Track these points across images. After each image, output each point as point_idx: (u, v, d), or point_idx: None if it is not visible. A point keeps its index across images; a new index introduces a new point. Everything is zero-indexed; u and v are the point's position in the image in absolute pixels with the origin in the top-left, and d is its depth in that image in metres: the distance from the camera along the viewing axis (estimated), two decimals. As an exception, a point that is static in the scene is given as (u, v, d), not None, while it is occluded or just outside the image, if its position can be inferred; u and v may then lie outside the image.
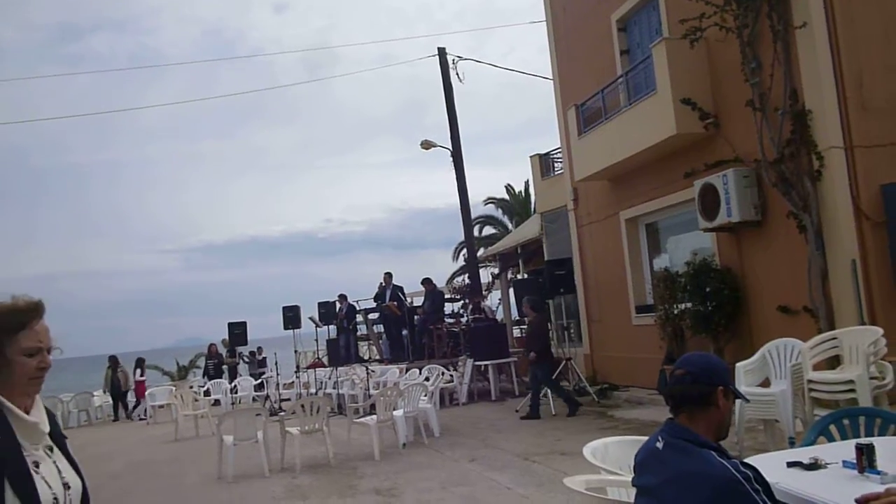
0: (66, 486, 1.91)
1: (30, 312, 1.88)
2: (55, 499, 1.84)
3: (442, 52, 19.84)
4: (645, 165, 11.86)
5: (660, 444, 2.49)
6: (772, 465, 2.96)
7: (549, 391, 11.76)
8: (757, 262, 9.97)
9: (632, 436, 4.53)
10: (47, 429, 1.93)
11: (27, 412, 1.86)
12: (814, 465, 3.01)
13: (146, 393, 19.13)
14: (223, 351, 21.54)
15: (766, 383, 7.43)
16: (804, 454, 3.20)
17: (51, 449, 1.95)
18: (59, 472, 1.92)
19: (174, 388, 17.78)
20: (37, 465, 1.84)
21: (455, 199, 20.16)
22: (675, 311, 10.90)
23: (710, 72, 10.51)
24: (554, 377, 12.01)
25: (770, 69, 9.15)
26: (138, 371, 20.95)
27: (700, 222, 10.29)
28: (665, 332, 11.11)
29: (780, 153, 9.04)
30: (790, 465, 3.07)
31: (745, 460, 2.49)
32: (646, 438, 2.94)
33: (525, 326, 14.63)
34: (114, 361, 20.56)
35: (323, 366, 18.52)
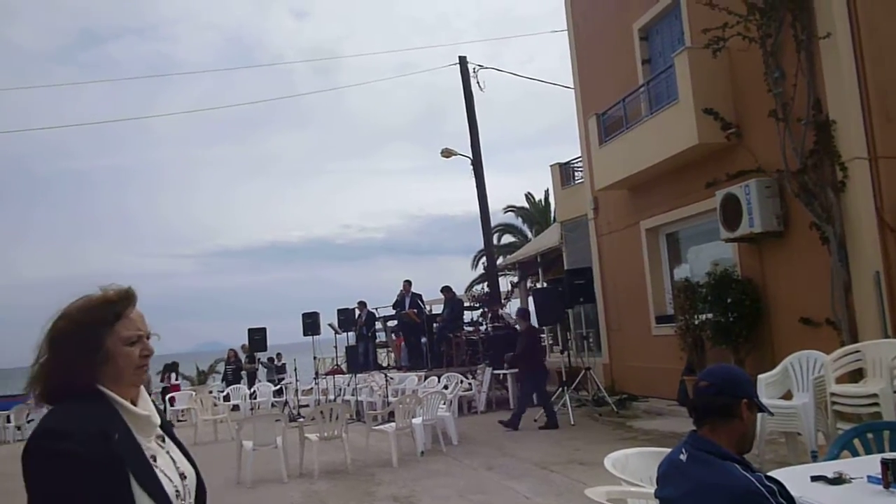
0: (183, 476, 1.86)
1: (123, 301, 1.82)
2: (177, 492, 1.80)
3: (463, 61, 19.90)
4: (666, 175, 11.81)
5: (683, 456, 2.48)
6: (795, 479, 2.93)
7: (567, 399, 11.72)
8: (779, 273, 9.89)
9: (652, 447, 4.50)
10: (158, 420, 1.87)
11: (134, 404, 1.81)
12: (838, 480, 2.98)
13: (166, 398, 19.23)
14: (243, 357, 21.64)
15: (787, 396, 7.37)
16: (828, 468, 3.17)
17: (162, 440, 1.89)
18: (174, 462, 1.87)
19: (194, 393, 17.87)
20: (154, 458, 1.79)
21: (474, 206, 20.19)
22: (696, 322, 10.84)
23: (733, 81, 10.47)
24: (543, 389, 12.00)
25: (793, 79, 9.10)
26: (172, 375, 20.92)
27: (721, 232, 10.22)
28: (685, 342, 11.05)
29: (803, 163, 8.97)
30: (814, 479, 3.04)
31: (769, 474, 2.47)
32: (666, 450, 2.93)
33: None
34: None
35: (342, 372, 18.55)
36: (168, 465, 1.82)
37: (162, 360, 25.38)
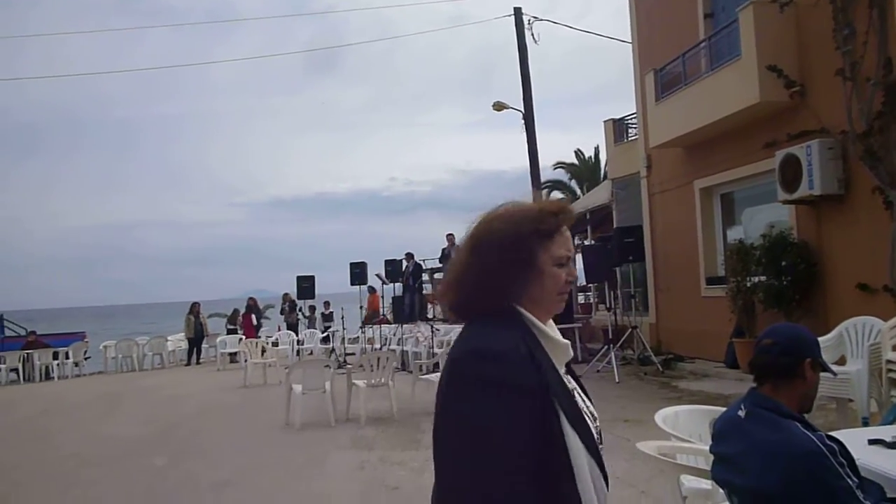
0: (594, 417, 1.60)
1: (560, 215, 1.58)
2: (599, 433, 1.57)
3: (518, 13, 19.56)
4: (724, 134, 11.55)
5: (742, 413, 2.47)
6: (852, 442, 2.89)
7: (612, 357, 11.72)
8: (837, 237, 9.66)
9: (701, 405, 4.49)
10: (571, 353, 1.61)
11: None
12: (896, 444, 2.95)
13: (217, 340, 19.73)
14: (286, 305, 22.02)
15: (841, 361, 7.25)
16: (886, 432, 3.13)
17: (567, 374, 1.61)
18: (584, 400, 1.61)
19: (243, 337, 18.31)
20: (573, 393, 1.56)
21: (522, 162, 20.02)
22: (748, 285, 10.68)
23: (799, 38, 10.12)
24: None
25: (864, 37, 8.77)
26: (253, 316, 21.34)
27: (779, 194, 10.01)
28: (735, 305, 10.91)
29: (869, 126, 8.69)
30: (871, 442, 3.00)
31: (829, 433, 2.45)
32: (716, 409, 2.92)
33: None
34: (196, 308, 21.10)
35: (388, 322, 18.79)
36: (584, 404, 1.59)
37: (210, 306, 25.93)
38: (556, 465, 1.39)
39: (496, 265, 1.51)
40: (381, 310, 21.43)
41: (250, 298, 21.77)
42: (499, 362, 1.40)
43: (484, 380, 1.39)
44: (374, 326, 18.04)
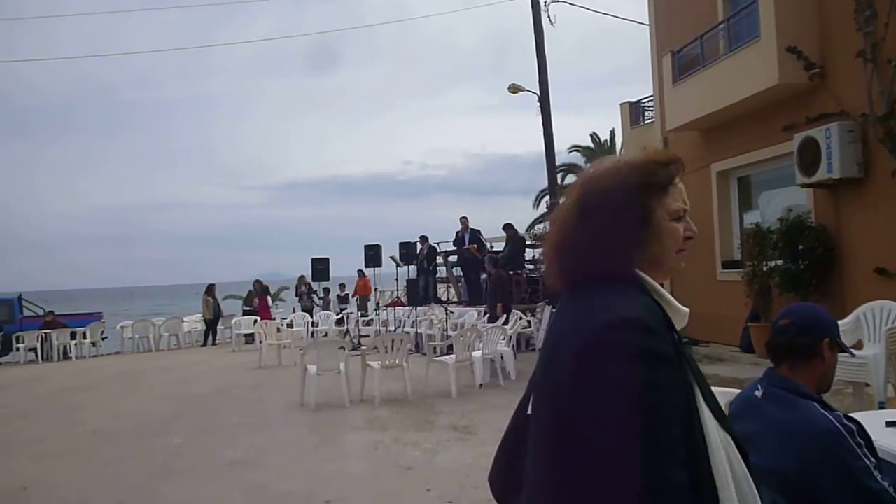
0: None
1: (672, 165, 1.44)
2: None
3: (534, -6, 19.37)
4: (742, 116, 11.44)
5: (758, 393, 2.46)
6: (869, 424, 2.88)
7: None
8: (855, 221, 9.57)
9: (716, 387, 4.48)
10: (687, 321, 1.44)
11: None
12: (915, 426, 2.93)
13: (233, 321, 19.85)
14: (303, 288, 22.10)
15: (858, 346, 7.20)
16: (903, 415, 3.11)
17: None
18: None
19: (258, 318, 18.42)
20: None
21: (537, 146, 19.97)
22: (764, 269, 10.61)
23: (820, 19, 9.99)
24: None
25: (886, 17, 8.65)
26: (269, 298, 21.44)
27: (797, 177, 9.92)
28: (751, 289, 10.84)
29: (889, 108, 8.59)
30: (889, 424, 2.99)
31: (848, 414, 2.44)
32: (731, 390, 2.91)
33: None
34: (211, 290, 21.16)
35: (402, 305, 18.84)
36: None
37: (224, 288, 26.08)
38: (692, 442, 1.24)
39: (610, 225, 1.35)
40: (371, 293, 21.75)
41: (256, 281, 21.84)
42: (644, 331, 1.24)
43: (632, 350, 1.22)
44: (389, 309, 18.09)
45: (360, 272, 21.64)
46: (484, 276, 16.93)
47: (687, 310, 1.42)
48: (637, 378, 1.19)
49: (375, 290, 20.35)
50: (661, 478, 1.16)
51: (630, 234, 1.35)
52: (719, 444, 1.29)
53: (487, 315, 13.83)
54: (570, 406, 1.24)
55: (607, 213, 1.35)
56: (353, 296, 23.10)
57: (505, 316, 13.10)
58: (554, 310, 12.36)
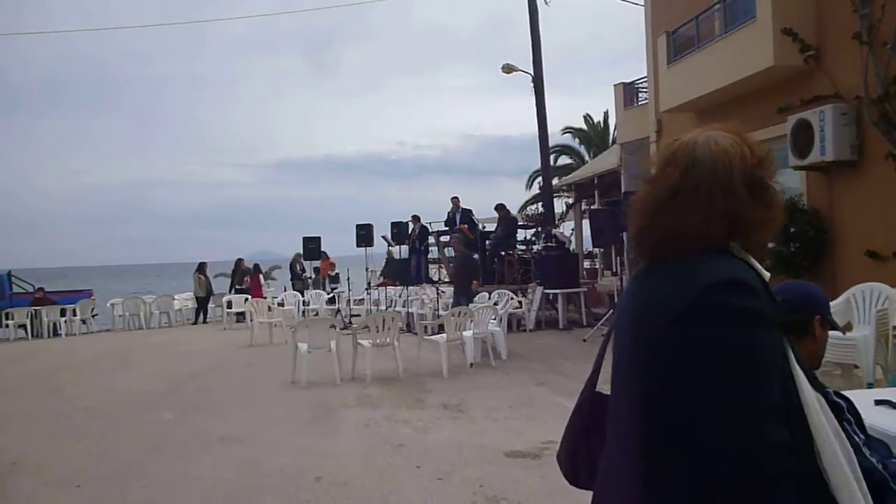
0: None
1: (764, 160, 1.49)
2: None
3: (529, -28, 19.25)
4: (736, 98, 11.41)
5: (750, 370, 2.46)
6: (858, 402, 2.88)
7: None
8: (848, 204, 9.58)
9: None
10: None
11: None
12: (903, 405, 2.94)
13: (224, 300, 19.80)
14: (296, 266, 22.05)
15: (848, 327, 7.24)
16: (892, 394, 3.13)
17: None
18: None
19: (250, 297, 18.39)
20: None
21: (531, 127, 19.91)
22: (755, 251, 10.62)
23: (815, 1, 9.94)
24: None
25: (882, 0, 8.60)
26: (261, 277, 21.35)
27: (790, 160, 9.90)
28: (743, 271, 10.85)
29: (884, 90, 8.58)
30: (878, 402, 3.00)
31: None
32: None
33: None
34: (203, 268, 21.07)
35: (393, 284, 18.84)
36: None
37: (215, 267, 25.96)
38: (789, 400, 1.28)
39: (721, 203, 1.36)
40: (327, 275, 21.94)
41: (238, 260, 21.75)
42: (748, 290, 1.28)
43: (738, 309, 1.26)
44: (380, 288, 18.08)
45: (324, 253, 21.49)
46: (476, 255, 16.95)
47: (769, 274, 1.42)
48: (743, 337, 1.24)
49: (367, 269, 20.30)
50: (764, 436, 1.21)
51: (741, 209, 1.37)
52: (815, 402, 1.32)
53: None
54: (669, 367, 1.28)
55: (717, 184, 1.37)
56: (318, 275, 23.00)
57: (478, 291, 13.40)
58: (545, 291, 12.34)
